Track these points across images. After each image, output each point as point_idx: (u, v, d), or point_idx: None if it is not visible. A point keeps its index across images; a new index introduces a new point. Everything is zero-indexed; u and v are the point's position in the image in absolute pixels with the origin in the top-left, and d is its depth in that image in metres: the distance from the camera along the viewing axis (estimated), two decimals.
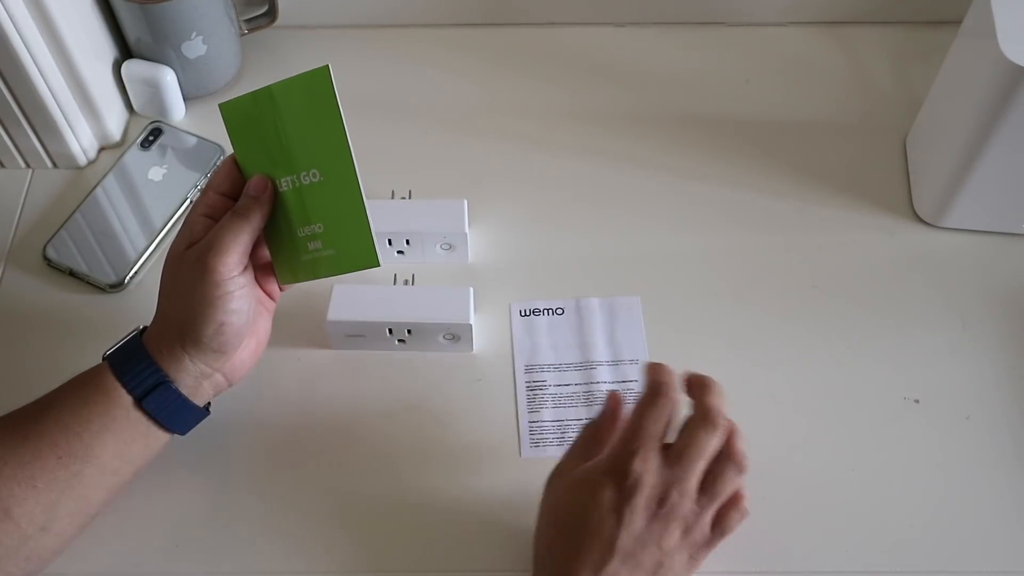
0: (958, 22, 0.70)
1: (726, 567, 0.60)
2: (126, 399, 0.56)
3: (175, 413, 0.58)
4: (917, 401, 0.66)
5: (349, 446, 0.64)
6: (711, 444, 0.53)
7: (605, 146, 0.79)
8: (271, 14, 0.83)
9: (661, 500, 0.52)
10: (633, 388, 0.67)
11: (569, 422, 0.65)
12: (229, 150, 0.77)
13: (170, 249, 0.59)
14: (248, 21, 0.83)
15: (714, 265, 0.73)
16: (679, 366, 0.67)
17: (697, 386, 0.55)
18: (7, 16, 0.65)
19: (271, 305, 0.62)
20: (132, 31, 0.77)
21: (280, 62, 0.84)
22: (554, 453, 0.64)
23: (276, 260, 0.60)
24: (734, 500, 0.54)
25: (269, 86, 0.57)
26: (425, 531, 0.61)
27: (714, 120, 0.81)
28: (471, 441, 0.65)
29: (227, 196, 0.59)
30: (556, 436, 0.65)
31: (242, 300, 0.56)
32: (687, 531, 0.53)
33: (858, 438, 0.65)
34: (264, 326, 0.61)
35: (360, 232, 0.57)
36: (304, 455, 0.64)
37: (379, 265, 0.57)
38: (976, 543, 0.61)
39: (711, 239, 0.74)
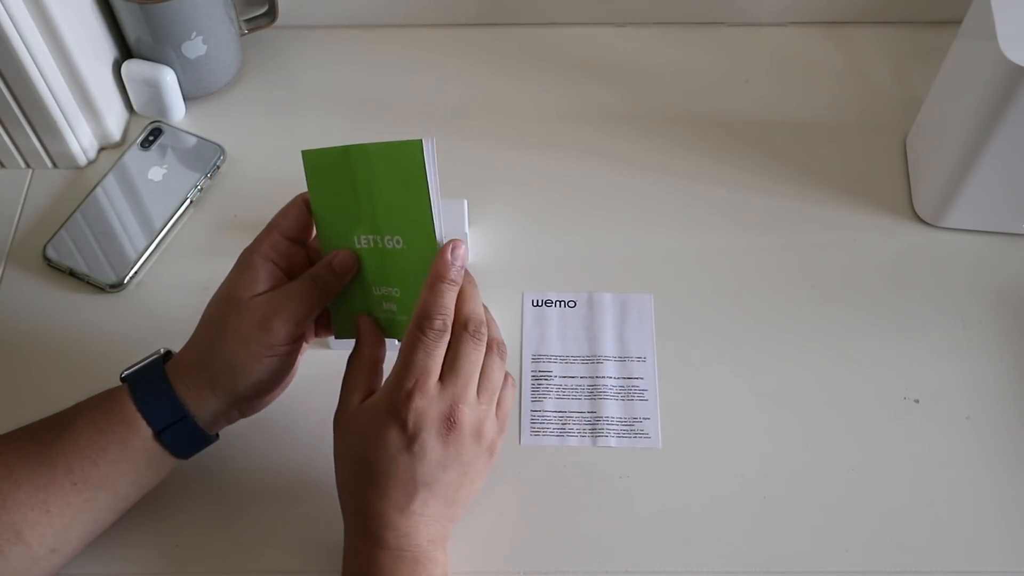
0: (958, 22, 0.70)
1: (726, 567, 0.60)
2: (145, 431, 0.55)
3: (191, 444, 0.58)
4: (917, 401, 0.67)
5: None
6: (480, 355, 0.54)
7: (604, 146, 0.79)
8: (271, 14, 0.83)
9: (449, 423, 0.52)
10: (639, 384, 0.67)
11: (571, 413, 0.66)
12: (230, 150, 0.78)
13: (225, 287, 0.57)
14: (248, 21, 0.83)
15: (711, 265, 0.73)
16: (678, 364, 0.68)
17: (461, 293, 0.55)
18: (7, 16, 0.65)
19: (303, 347, 0.61)
20: (132, 31, 0.77)
21: (280, 62, 0.84)
22: (553, 442, 0.64)
23: (339, 310, 0.60)
24: (504, 382, 0.57)
25: (365, 145, 0.55)
26: None
27: (714, 120, 0.81)
28: None
29: (292, 240, 0.58)
30: (557, 426, 0.65)
31: (286, 363, 0.56)
32: (479, 436, 0.54)
33: (858, 438, 0.65)
34: (294, 370, 0.60)
35: None
36: (304, 455, 0.64)
37: None
38: (976, 543, 0.61)
39: (709, 239, 0.74)
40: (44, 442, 0.55)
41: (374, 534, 0.53)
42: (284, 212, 0.58)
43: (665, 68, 0.84)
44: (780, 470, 0.64)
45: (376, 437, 0.52)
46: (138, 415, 0.55)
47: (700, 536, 0.61)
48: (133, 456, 0.55)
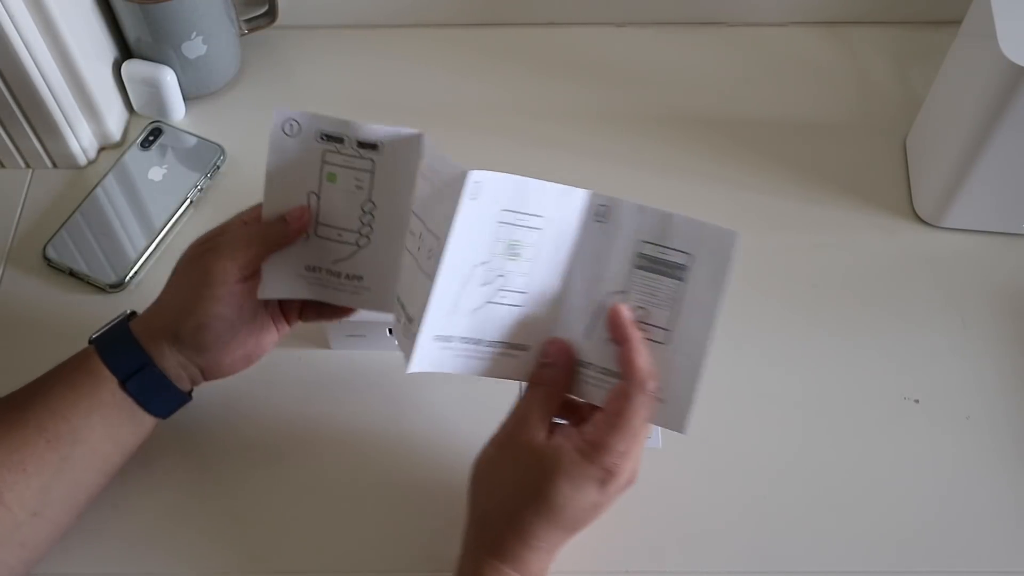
0: (958, 22, 0.70)
1: (726, 567, 0.60)
2: (111, 381, 0.56)
3: (157, 396, 0.58)
4: (917, 401, 0.67)
5: (349, 445, 0.64)
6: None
7: (605, 146, 0.79)
8: (271, 14, 0.83)
9: (632, 479, 0.54)
10: None
11: None
12: (230, 150, 0.78)
13: (194, 241, 0.58)
14: (248, 21, 0.83)
15: None
16: None
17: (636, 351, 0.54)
18: (7, 16, 0.65)
19: (285, 330, 0.61)
20: (132, 31, 0.77)
21: (280, 62, 0.84)
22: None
23: (275, 267, 0.59)
24: None
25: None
26: (425, 528, 0.61)
27: (714, 120, 0.81)
28: (470, 436, 0.64)
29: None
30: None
31: (229, 307, 0.56)
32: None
33: (858, 438, 0.65)
34: (263, 343, 0.60)
35: None
36: (304, 455, 0.64)
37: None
38: (976, 543, 0.61)
39: None
40: (17, 406, 0.56)
41: (522, 560, 0.53)
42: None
43: (665, 68, 0.84)
44: (780, 470, 0.64)
45: (573, 485, 0.52)
46: (103, 366, 0.56)
47: (700, 536, 0.61)
48: (103, 410, 0.56)
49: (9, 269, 0.73)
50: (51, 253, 0.72)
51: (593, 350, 0.55)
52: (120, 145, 0.79)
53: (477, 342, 0.55)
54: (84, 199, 0.75)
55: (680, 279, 0.53)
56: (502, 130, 0.80)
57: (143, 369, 0.56)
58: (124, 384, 0.56)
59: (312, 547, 0.61)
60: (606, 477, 0.51)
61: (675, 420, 0.54)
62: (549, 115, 0.81)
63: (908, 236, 0.74)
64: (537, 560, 0.53)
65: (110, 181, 0.76)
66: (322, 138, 0.57)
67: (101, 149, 0.79)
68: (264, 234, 0.57)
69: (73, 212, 0.74)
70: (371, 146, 0.57)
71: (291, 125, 0.57)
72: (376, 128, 0.56)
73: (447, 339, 0.54)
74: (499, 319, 0.55)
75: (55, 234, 0.73)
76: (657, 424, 0.54)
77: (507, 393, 0.66)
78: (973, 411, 0.66)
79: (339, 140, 0.57)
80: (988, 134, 0.65)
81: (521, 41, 0.86)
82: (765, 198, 0.76)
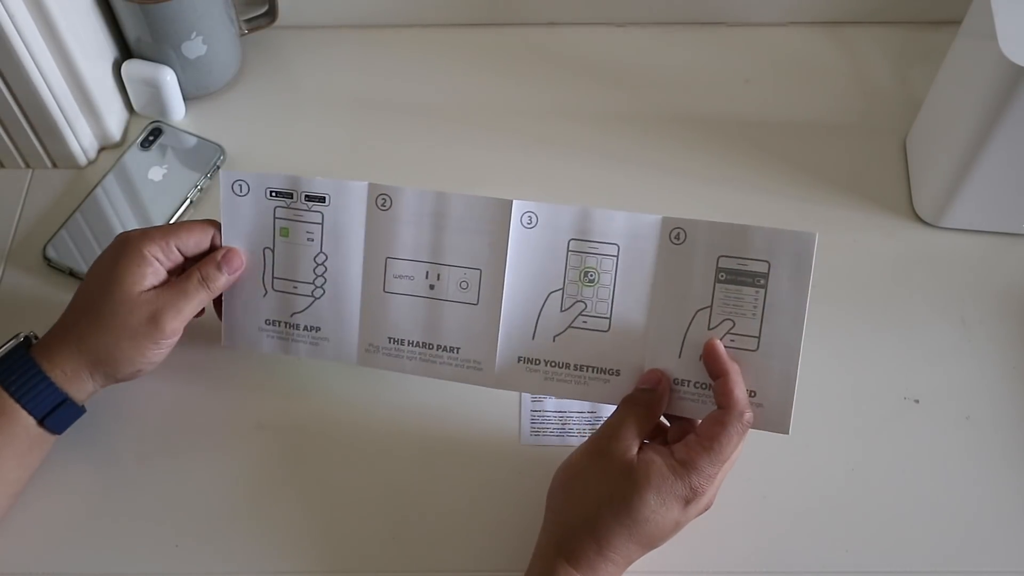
0: (958, 22, 0.70)
1: (726, 567, 0.60)
2: (28, 420, 0.57)
3: (69, 422, 0.59)
4: (917, 401, 0.67)
5: (348, 444, 0.64)
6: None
7: (605, 146, 0.79)
8: (271, 14, 0.83)
9: (710, 503, 0.56)
10: None
11: (571, 413, 0.66)
12: (230, 150, 0.78)
13: (108, 277, 0.58)
14: (248, 21, 0.83)
15: None
16: None
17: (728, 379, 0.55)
18: (7, 16, 0.65)
19: None
20: (132, 31, 0.77)
21: (280, 62, 0.84)
22: (553, 442, 0.64)
23: (234, 317, 0.63)
24: None
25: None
26: (423, 528, 0.61)
27: (714, 120, 0.81)
28: (470, 436, 0.65)
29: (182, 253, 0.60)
30: (557, 426, 0.65)
31: (167, 350, 0.59)
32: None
33: (858, 438, 0.65)
34: None
35: None
36: (304, 454, 0.64)
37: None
38: (976, 543, 0.61)
39: None
40: None
41: (594, 569, 0.53)
42: (188, 229, 0.60)
43: (665, 68, 0.84)
44: (780, 470, 0.64)
45: (660, 499, 0.53)
46: (16, 405, 0.56)
47: (700, 536, 0.61)
48: (15, 444, 0.57)
49: (9, 269, 0.73)
50: (51, 253, 0.72)
51: (687, 367, 0.57)
52: (120, 145, 0.79)
53: (566, 366, 0.59)
54: (84, 199, 0.75)
55: (761, 286, 0.55)
56: (502, 130, 0.80)
57: (62, 405, 0.57)
58: (42, 421, 0.57)
59: (308, 547, 0.61)
60: (691, 496, 0.53)
61: (777, 423, 0.56)
62: (549, 115, 0.81)
63: (908, 236, 0.74)
64: (607, 572, 0.54)
65: (110, 181, 0.76)
66: (272, 195, 0.60)
67: (101, 149, 0.79)
68: (211, 291, 0.59)
69: (73, 212, 0.74)
70: (319, 199, 0.59)
71: (240, 186, 0.60)
72: (323, 181, 0.59)
73: (534, 362, 0.59)
74: (586, 344, 0.58)
75: (55, 234, 0.73)
76: (760, 429, 0.56)
77: (509, 397, 0.66)
78: (973, 411, 0.66)
79: (288, 195, 0.60)
80: (988, 134, 0.65)
81: (521, 41, 0.86)
82: (765, 198, 0.76)
